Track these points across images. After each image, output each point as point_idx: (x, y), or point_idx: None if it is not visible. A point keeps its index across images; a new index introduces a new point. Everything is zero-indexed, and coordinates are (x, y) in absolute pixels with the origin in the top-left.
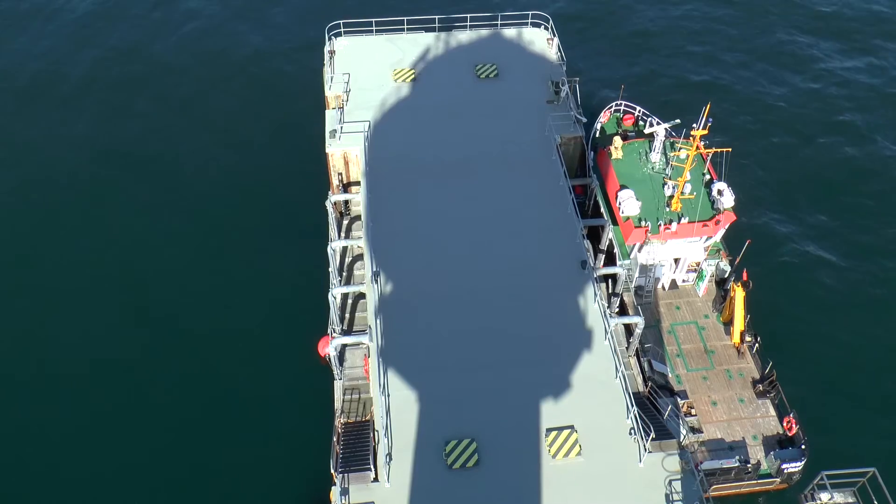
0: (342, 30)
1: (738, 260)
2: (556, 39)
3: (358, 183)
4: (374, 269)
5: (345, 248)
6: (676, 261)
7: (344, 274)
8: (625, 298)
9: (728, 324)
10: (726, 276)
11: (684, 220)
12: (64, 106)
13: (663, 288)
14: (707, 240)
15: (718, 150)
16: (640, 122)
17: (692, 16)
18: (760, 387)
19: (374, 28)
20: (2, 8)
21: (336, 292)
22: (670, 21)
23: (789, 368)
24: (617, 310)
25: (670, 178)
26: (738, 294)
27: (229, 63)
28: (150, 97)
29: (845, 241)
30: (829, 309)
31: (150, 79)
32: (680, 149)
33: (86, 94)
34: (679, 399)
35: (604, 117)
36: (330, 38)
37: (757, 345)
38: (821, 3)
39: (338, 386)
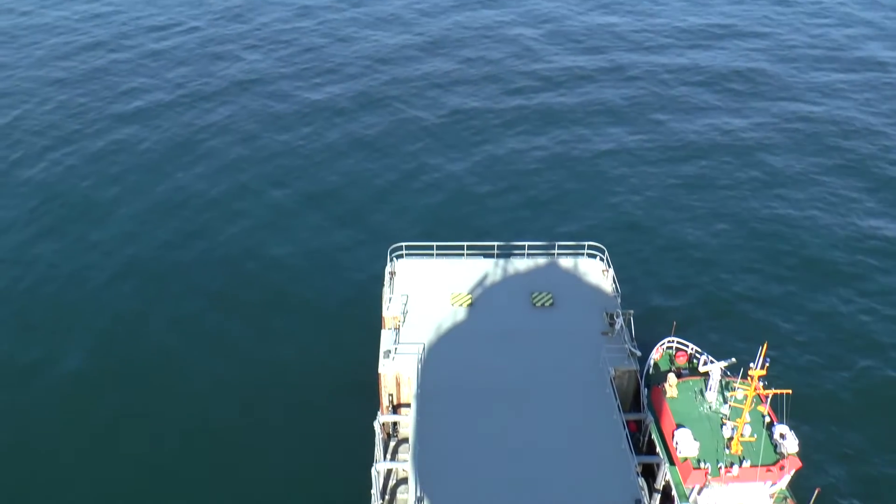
0: (404, 252)
1: None
2: (611, 271)
3: (408, 405)
4: (419, 495)
5: (389, 471)
6: None
7: (387, 497)
8: None
9: None
10: None
11: (746, 464)
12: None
13: None
14: (772, 486)
15: (778, 391)
16: (694, 360)
17: (748, 252)
18: None
19: (434, 252)
20: None
21: None
22: (725, 251)
23: None
24: None
25: (728, 419)
26: None
27: (289, 277)
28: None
29: None
30: None
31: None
32: (736, 388)
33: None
34: None
35: (656, 354)
36: (391, 260)
37: None
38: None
39: None
